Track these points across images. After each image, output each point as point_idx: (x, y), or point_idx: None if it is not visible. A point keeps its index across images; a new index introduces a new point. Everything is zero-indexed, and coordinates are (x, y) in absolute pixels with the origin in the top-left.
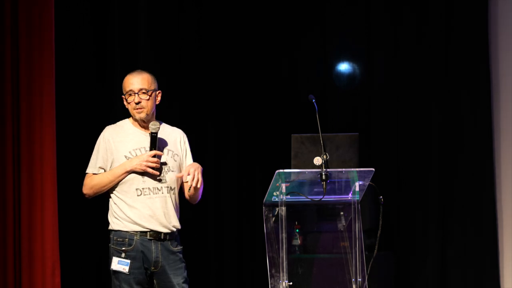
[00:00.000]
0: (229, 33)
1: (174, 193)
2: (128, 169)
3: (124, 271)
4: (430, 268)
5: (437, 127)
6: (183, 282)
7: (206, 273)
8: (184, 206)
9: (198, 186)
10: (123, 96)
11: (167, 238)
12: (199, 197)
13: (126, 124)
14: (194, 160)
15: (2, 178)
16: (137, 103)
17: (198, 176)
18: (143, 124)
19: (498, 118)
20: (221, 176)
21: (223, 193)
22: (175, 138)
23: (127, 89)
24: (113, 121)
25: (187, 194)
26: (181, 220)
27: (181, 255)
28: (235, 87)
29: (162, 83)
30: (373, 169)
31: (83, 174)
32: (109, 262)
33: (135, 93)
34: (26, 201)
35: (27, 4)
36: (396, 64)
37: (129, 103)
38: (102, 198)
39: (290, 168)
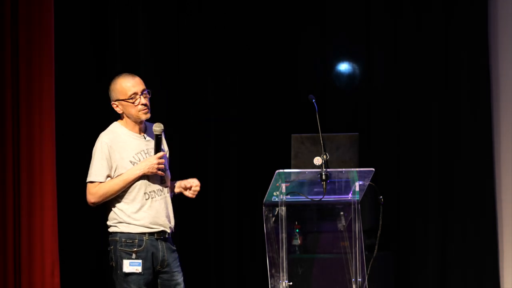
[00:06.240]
0: (229, 32)
1: (169, 192)
2: (140, 173)
3: (138, 271)
4: (430, 268)
5: (437, 127)
6: (182, 280)
7: (206, 273)
8: (184, 206)
9: (193, 196)
10: (118, 102)
11: (169, 236)
12: None
13: (120, 129)
14: (195, 159)
15: (2, 179)
16: (144, 104)
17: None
18: (139, 126)
19: (498, 118)
20: (221, 176)
21: (223, 193)
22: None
23: (130, 93)
24: (113, 120)
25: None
26: (178, 220)
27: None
28: (235, 87)
29: (162, 82)
30: (373, 169)
31: (83, 174)
32: (117, 267)
33: (139, 95)
34: (26, 201)
35: (27, 4)
36: (396, 64)
37: (135, 106)
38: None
39: (290, 168)
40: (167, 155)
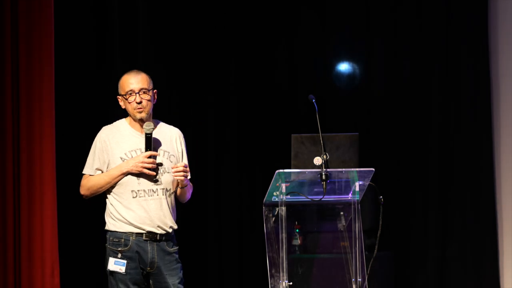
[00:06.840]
0: (230, 31)
1: (170, 195)
2: (124, 170)
3: (121, 271)
4: (430, 268)
5: (437, 126)
6: (179, 283)
7: (206, 273)
8: (184, 205)
9: (180, 178)
10: (120, 97)
11: (163, 238)
12: (188, 197)
13: (122, 125)
14: (195, 159)
15: (2, 179)
16: (139, 103)
17: (185, 174)
18: (141, 124)
19: (498, 117)
20: (221, 176)
21: (223, 193)
22: (171, 138)
23: (127, 89)
24: (113, 120)
25: (178, 191)
26: (178, 220)
27: (177, 256)
28: (235, 87)
29: (162, 80)
30: (373, 169)
31: (82, 174)
32: (105, 262)
33: (135, 93)
34: (26, 201)
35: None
36: (396, 64)
37: (129, 103)
38: (101, 199)
39: (290, 168)
40: (184, 159)
